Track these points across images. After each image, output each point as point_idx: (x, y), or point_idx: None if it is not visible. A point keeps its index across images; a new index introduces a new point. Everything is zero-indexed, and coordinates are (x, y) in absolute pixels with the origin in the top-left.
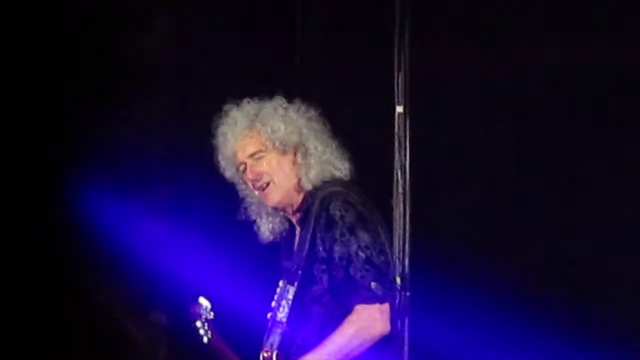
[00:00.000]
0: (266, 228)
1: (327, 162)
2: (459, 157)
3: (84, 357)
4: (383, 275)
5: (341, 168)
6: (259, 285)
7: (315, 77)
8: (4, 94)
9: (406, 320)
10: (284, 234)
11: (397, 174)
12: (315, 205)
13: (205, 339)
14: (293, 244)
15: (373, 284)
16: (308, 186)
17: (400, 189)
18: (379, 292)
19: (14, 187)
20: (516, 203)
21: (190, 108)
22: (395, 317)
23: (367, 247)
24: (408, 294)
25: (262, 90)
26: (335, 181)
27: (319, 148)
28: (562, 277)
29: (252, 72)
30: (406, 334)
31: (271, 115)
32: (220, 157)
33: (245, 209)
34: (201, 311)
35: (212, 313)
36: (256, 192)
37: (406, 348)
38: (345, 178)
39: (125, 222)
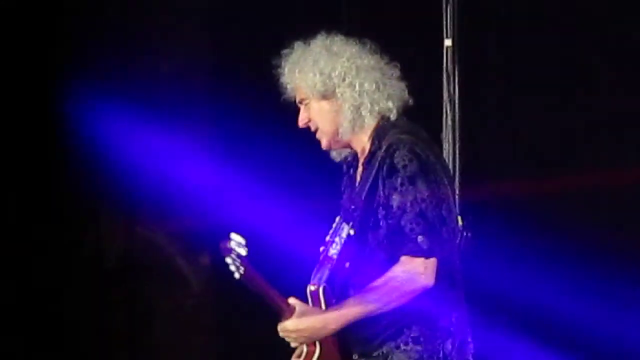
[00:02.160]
0: (335, 151)
1: (364, 107)
2: (509, 90)
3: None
4: (434, 229)
5: (376, 110)
6: (318, 216)
7: (361, 11)
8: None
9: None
10: (350, 163)
11: (446, 107)
12: (381, 150)
13: (236, 275)
14: (354, 182)
15: (420, 238)
16: (345, 136)
17: (449, 122)
18: (425, 246)
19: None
20: (566, 135)
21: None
22: (450, 263)
23: (423, 200)
24: (469, 234)
25: (307, 24)
26: (402, 125)
27: (354, 94)
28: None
29: (299, 7)
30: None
31: (308, 62)
32: None
33: None
34: (232, 246)
35: (244, 249)
36: None
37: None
38: (392, 118)
39: (173, 155)
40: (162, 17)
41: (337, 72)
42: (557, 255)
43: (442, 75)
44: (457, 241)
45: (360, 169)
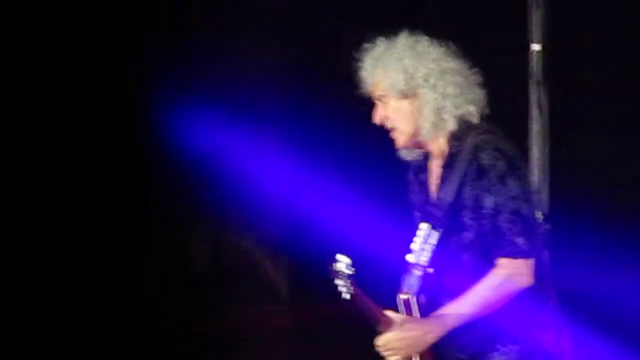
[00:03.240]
0: (406, 150)
1: (445, 110)
2: (597, 96)
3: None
4: (530, 227)
5: (457, 114)
6: (393, 226)
7: (447, 13)
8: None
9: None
10: (418, 167)
11: (533, 113)
12: (463, 152)
13: (347, 296)
14: (427, 185)
15: (519, 239)
16: (426, 137)
17: (538, 128)
18: (525, 247)
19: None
20: None
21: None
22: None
23: (515, 198)
24: (548, 227)
25: (388, 25)
26: (480, 126)
27: (436, 96)
28: None
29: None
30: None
31: (392, 59)
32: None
33: None
34: (340, 268)
35: (352, 269)
36: None
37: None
38: (472, 121)
39: (257, 159)
40: (235, 17)
41: (421, 73)
42: None
43: (525, 80)
44: (541, 251)
45: (437, 171)
